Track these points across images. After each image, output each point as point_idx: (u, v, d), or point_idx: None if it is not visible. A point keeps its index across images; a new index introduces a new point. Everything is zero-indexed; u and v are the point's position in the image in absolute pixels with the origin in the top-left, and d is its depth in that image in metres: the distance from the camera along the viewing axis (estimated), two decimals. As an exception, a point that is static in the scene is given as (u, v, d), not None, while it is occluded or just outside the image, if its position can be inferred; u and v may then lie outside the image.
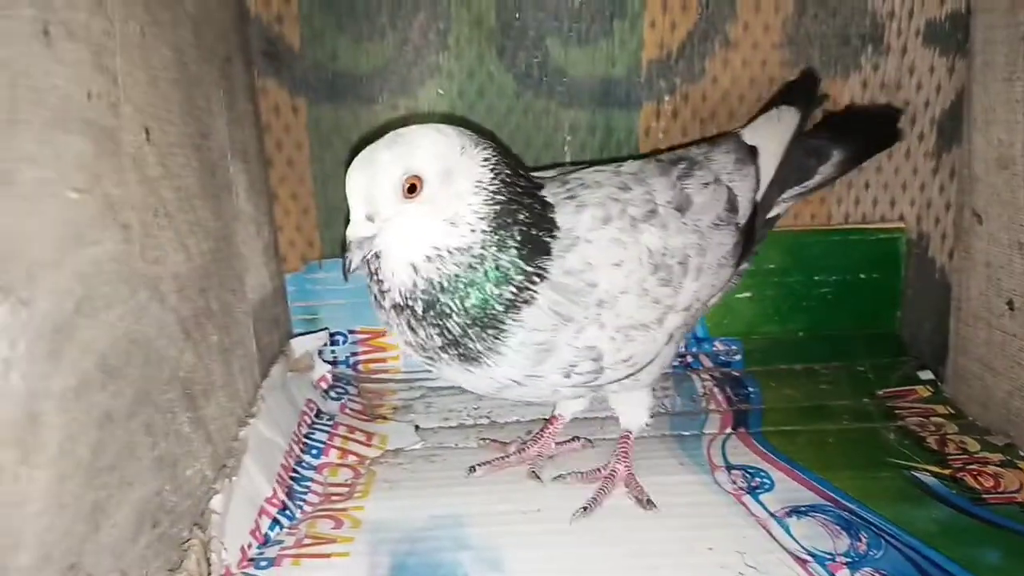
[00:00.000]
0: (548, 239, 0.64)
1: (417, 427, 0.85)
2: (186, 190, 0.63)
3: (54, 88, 0.43)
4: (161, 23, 0.59)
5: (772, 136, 0.77)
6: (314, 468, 0.78)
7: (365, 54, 0.88)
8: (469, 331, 0.62)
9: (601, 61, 0.89)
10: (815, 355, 0.96)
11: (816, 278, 0.96)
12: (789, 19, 0.88)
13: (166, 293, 0.58)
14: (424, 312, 0.62)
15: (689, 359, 0.96)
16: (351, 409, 0.89)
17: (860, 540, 0.65)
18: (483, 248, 0.61)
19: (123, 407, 0.51)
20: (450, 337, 0.62)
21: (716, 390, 0.91)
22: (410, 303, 0.62)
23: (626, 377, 0.69)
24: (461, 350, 0.63)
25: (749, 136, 0.77)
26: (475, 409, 0.89)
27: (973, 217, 0.86)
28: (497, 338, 0.62)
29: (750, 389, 0.91)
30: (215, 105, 0.71)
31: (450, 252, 0.61)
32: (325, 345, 0.95)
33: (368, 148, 0.61)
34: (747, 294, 0.95)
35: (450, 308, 0.61)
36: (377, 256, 0.62)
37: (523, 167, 0.69)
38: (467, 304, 0.61)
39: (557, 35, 0.88)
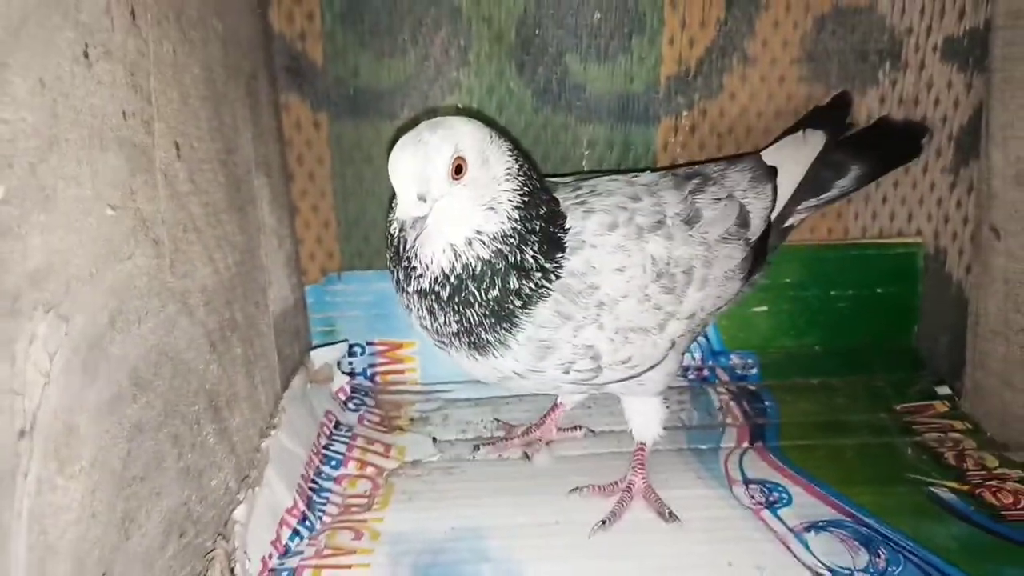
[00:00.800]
0: (562, 234, 0.66)
1: (435, 439, 0.86)
2: (214, 205, 0.64)
3: (92, 108, 0.45)
4: (192, 42, 0.60)
5: (794, 157, 0.78)
6: (333, 479, 0.78)
7: (386, 70, 0.89)
8: (485, 321, 0.64)
9: (620, 77, 0.89)
10: (831, 369, 0.95)
11: (833, 292, 0.95)
12: (807, 35, 0.88)
13: (194, 306, 0.59)
14: (448, 299, 0.63)
15: (705, 372, 0.97)
16: (369, 420, 0.89)
17: (879, 556, 0.65)
18: (513, 237, 0.63)
19: (152, 419, 0.52)
20: (465, 326, 0.64)
21: (733, 404, 0.91)
22: (437, 288, 0.63)
23: (629, 379, 0.70)
24: (472, 338, 0.65)
25: (771, 156, 0.78)
26: (492, 421, 0.89)
27: (991, 233, 0.86)
28: (509, 332, 0.64)
29: (767, 403, 0.91)
30: (241, 121, 0.72)
31: (490, 238, 0.63)
32: (343, 357, 0.96)
33: (410, 133, 0.63)
34: (763, 308, 0.95)
35: (474, 297, 0.63)
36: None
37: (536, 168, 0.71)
38: (490, 295, 0.63)
39: (576, 51, 0.89)
